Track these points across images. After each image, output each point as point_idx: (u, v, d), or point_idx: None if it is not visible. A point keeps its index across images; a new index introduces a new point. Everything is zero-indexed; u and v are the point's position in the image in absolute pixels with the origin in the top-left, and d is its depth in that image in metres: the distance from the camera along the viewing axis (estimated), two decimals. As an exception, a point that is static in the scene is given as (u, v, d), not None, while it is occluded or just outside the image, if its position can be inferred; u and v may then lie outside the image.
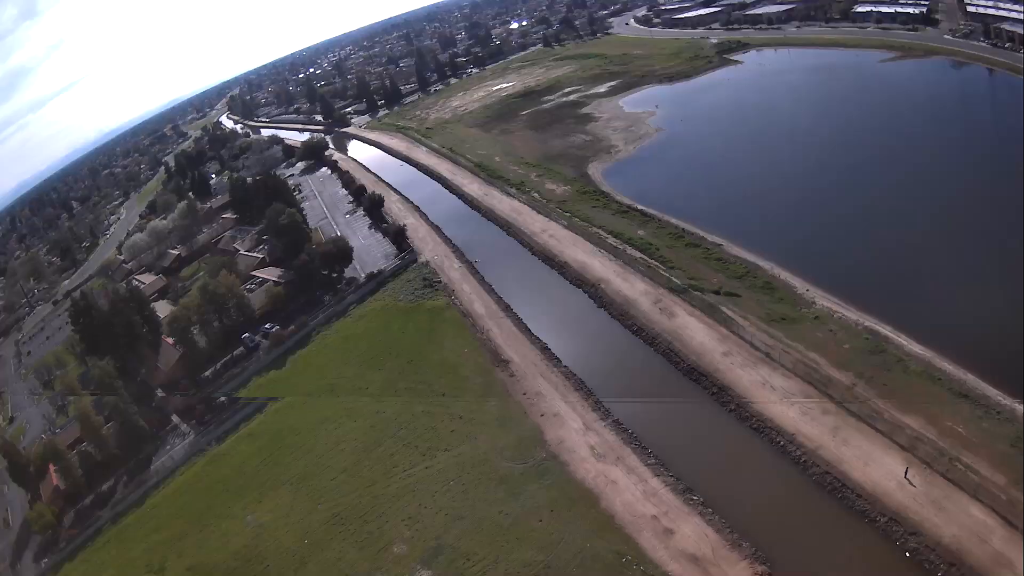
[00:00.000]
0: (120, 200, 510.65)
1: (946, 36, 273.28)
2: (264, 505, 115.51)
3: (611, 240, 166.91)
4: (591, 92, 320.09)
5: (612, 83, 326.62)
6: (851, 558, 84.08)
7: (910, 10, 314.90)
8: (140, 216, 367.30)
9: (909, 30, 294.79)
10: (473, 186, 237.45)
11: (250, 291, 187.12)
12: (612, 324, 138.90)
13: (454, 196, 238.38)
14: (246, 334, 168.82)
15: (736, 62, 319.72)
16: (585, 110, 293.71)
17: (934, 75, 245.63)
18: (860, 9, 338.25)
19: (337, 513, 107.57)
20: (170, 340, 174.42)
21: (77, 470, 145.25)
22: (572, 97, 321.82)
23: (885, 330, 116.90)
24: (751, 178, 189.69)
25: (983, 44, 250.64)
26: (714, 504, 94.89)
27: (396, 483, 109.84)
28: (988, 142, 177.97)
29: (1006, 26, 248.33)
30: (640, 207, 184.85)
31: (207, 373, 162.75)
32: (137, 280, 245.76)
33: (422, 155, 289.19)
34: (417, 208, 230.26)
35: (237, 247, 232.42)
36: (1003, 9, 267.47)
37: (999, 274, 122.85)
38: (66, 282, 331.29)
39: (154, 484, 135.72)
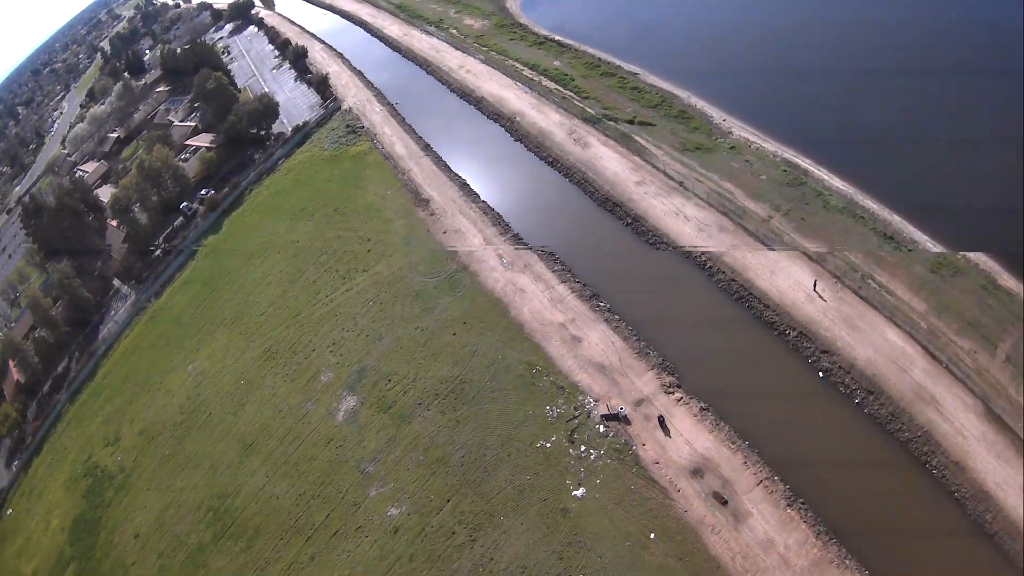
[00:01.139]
0: (62, 94, 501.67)
1: None
2: (202, 352, 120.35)
3: (527, 72, 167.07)
4: None
5: None
6: (761, 372, 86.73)
7: None
8: (80, 106, 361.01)
9: None
10: (394, 28, 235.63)
11: (185, 160, 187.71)
12: (528, 156, 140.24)
13: (376, 40, 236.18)
14: (184, 203, 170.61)
15: None
16: None
17: None
18: None
19: (268, 348, 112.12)
20: (114, 223, 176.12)
21: (34, 359, 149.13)
22: None
23: (805, 163, 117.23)
24: (665, 5, 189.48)
25: None
26: (621, 312, 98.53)
27: (320, 309, 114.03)
28: None
29: None
30: (557, 38, 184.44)
31: (152, 248, 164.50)
32: (81, 170, 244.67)
33: (344, 1, 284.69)
34: (340, 55, 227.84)
35: (171, 119, 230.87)
36: None
37: (934, 120, 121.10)
38: (17, 188, 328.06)
39: (103, 353, 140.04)
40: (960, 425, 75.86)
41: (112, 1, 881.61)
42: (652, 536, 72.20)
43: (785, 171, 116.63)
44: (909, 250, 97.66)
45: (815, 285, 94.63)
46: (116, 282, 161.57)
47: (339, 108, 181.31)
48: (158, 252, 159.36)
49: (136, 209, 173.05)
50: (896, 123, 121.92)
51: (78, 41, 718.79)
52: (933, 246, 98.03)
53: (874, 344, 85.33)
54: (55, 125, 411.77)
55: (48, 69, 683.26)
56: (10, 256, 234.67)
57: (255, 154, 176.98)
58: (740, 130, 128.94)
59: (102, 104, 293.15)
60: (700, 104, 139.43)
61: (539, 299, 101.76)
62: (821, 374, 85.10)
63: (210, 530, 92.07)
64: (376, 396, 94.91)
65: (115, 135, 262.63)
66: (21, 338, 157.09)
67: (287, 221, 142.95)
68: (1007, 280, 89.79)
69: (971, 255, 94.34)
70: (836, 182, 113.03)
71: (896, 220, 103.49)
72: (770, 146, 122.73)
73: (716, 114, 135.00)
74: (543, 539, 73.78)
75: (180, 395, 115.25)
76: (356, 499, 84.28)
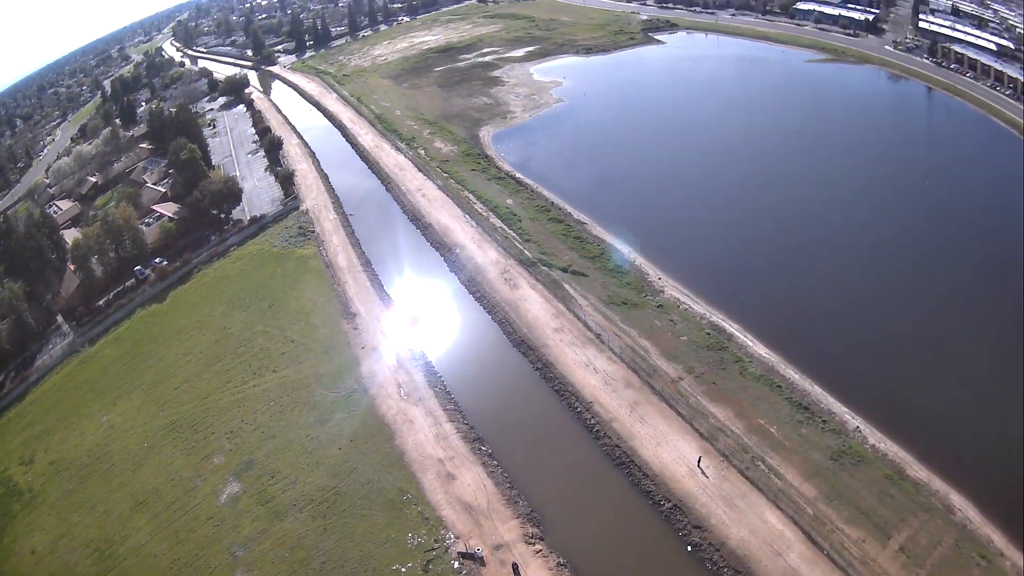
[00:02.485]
0: (58, 121, 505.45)
1: (887, 47, 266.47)
2: (118, 407, 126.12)
3: (478, 206, 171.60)
4: (508, 55, 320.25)
5: (530, 48, 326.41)
6: (629, 538, 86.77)
7: (855, 15, 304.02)
8: (71, 139, 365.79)
9: (849, 34, 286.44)
10: (368, 137, 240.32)
11: (147, 225, 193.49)
12: (459, 289, 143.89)
13: (349, 145, 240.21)
14: (138, 267, 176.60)
15: (659, 41, 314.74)
16: (496, 73, 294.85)
17: (860, 82, 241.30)
18: (802, 6, 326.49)
19: (174, 420, 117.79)
20: (72, 267, 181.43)
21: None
22: (488, 58, 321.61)
23: (731, 328, 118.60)
24: (632, 161, 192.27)
25: (926, 61, 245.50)
26: (500, 458, 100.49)
27: (227, 397, 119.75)
28: (888, 149, 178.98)
29: (956, 47, 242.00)
30: (518, 175, 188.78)
31: (101, 302, 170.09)
32: (56, 206, 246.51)
33: (331, 101, 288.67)
34: (313, 155, 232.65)
35: (146, 179, 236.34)
36: (958, 31, 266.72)
37: (871, 287, 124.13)
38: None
39: (34, 380, 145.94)
40: None
41: (127, 40, 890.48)
42: None
43: (708, 334, 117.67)
44: (823, 421, 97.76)
45: (699, 461, 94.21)
46: (60, 319, 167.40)
47: (297, 208, 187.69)
48: (102, 303, 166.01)
49: (94, 260, 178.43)
50: (842, 303, 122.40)
51: (86, 72, 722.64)
52: (852, 418, 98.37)
53: (750, 525, 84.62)
54: (45, 150, 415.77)
55: (52, 91, 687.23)
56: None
57: (212, 235, 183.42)
58: (673, 290, 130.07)
59: (89, 144, 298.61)
60: (640, 261, 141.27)
61: (425, 433, 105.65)
62: (690, 548, 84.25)
63: (94, 568, 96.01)
64: (258, 488, 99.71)
65: (93, 179, 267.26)
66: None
67: (224, 307, 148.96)
68: (917, 471, 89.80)
69: (880, 446, 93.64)
70: (760, 349, 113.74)
71: (816, 391, 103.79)
72: (699, 308, 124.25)
73: (653, 272, 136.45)
74: None
75: (91, 440, 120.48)
76: None
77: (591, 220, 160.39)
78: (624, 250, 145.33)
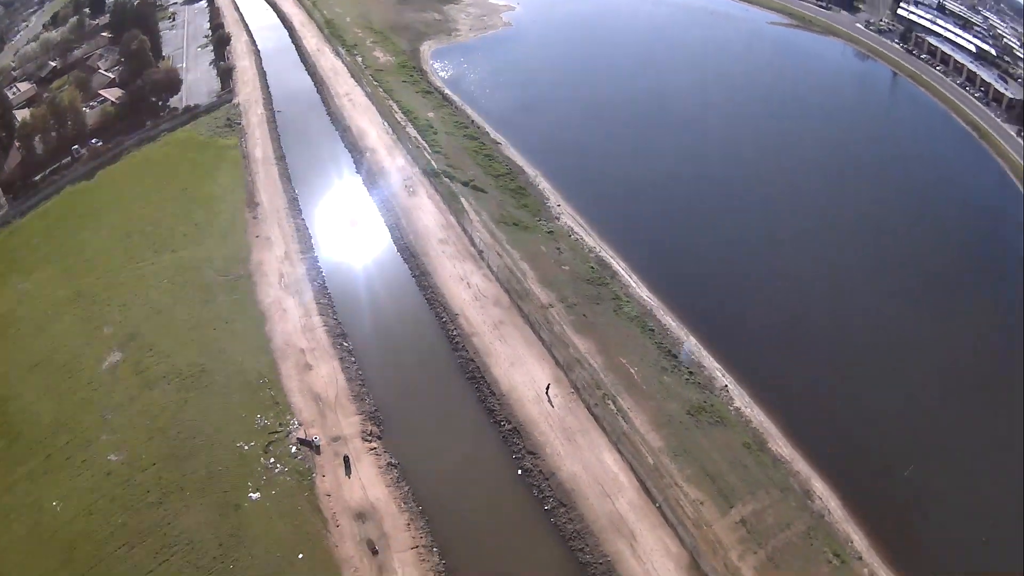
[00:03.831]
0: (35, 8, 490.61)
1: (858, 25, 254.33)
2: (33, 276, 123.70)
3: (399, 116, 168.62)
4: None
5: None
6: (464, 451, 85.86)
7: None
8: (43, 26, 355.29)
9: (821, 6, 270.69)
10: (312, 40, 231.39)
11: (91, 108, 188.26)
12: (361, 191, 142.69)
13: (294, 46, 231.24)
14: (75, 146, 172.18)
15: None
16: None
17: (821, 52, 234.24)
18: None
19: (79, 291, 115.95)
20: (17, 144, 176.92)
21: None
22: None
23: (618, 266, 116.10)
24: (562, 93, 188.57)
25: (896, 46, 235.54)
26: (359, 356, 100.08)
27: (128, 272, 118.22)
28: (829, 118, 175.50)
29: (932, 39, 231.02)
30: (446, 91, 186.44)
31: (38, 177, 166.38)
32: (16, 87, 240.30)
33: (288, 4, 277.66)
34: (257, 52, 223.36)
35: (99, 65, 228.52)
36: (938, 25, 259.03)
37: (779, 258, 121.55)
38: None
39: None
40: (652, 569, 72.42)
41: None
42: (300, 556, 72.98)
43: (592, 268, 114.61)
44: (690, 372, 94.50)
45: (548, 388, 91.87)
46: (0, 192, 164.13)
47: (231, 101, 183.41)
48: (38, 179, 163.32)
49: (38, 139, 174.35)
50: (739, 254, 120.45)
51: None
52: (722, 376, 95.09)
53: (584, 461, 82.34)
54: (18, 35, 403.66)
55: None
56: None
57: (148, 121, 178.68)
58: (569, 219, 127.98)
59: (56, 31, 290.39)
60: (543, 186, 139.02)
61: (294, 323, 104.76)
62: (520, 472, 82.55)
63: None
64: (136, 359, 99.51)
65: (54, 64, 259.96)
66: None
67: (143, 187, 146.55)
68: (780, 446, 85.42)
69: (746, 411, 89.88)
70: (642, 291, 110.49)
71: (690, 342, 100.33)
72: (591, 241, 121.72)
73: (554, 198, 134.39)
74: (213, 523, 75.84)
75: (4, 305, 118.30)
76: (90, 437, 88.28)
77: (506, 141, 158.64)
78: (530, 173, 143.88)
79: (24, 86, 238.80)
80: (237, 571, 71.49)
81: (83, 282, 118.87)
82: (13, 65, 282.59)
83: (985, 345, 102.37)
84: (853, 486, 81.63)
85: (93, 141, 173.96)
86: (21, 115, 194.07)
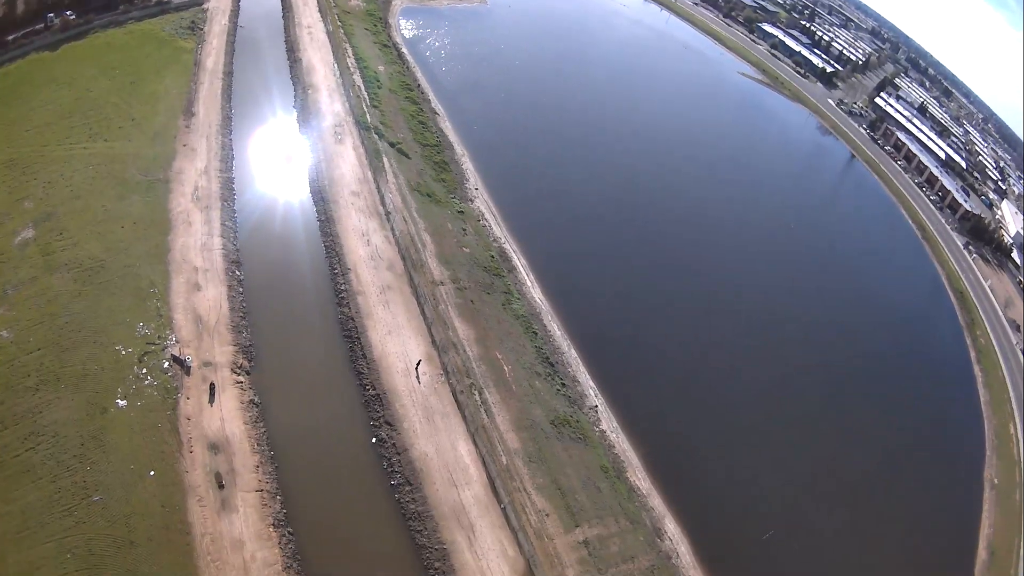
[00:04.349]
0: None
1: (830, 100, 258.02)
2: None
3: (350, 61, 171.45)
4: None
5: None
6: (324, 405, 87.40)
7: (815, 59, 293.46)
8: None
9: (799, 73, 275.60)
10: None
11: None
12: (293, 125, 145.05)
13: None
14: (51, 13, 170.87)
15: None
16: None
17: (782, 114, 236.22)
18: (766, 28, 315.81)
19: (13, 158, 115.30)
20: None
21: None
22: None
23: (518, 261, 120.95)
24: (512, 80, 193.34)
25: (863, 131, 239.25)
26: (247, 287, 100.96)
27: (60, 151, 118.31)
28: (762, 174, 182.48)
29: (901, 135, 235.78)
30: (403, 49, 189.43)
31: (11, 37, 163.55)
32: None
33: None
34: None
35: None
36: (913, 124, 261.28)
37: (683, 299, 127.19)
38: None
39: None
40: (486, 567, 74.70)
41: None
42: (151, 474, 73.92)
43: (492, 256, 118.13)
44: (563, 384, 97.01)
45: (418, 364, 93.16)
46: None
47: (201, 4, 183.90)
48: (11, 39, 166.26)
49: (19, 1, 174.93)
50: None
51: None
52: (595, 395, 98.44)
53: (439, 445, 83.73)
54: None
55: None
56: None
57: (121, 4, 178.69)
58: (483, 204, 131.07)
59: None
60: (467, 165, 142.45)
61: (196, 239, 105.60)
62: (374, 440, 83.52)
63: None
64: (46, 240, 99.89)
65: None
66: None
67: (97, 71, 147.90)
68: (639, 478, 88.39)
69: (612, 436, 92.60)
70: (535, 292, 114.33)
71: (570, 354, 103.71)
72: (498, 230, 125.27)
73: (474, 180, 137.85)
74: (79, 421, 76.66)
75: None
76: None
77: (444, 113, 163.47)
78: (458, 150, 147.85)
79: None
80: (93, 473, 72.79)
81: (19, 151, 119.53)
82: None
83: (871, 439, 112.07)
84: (708, 536, 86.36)
85: (67, 12, 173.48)
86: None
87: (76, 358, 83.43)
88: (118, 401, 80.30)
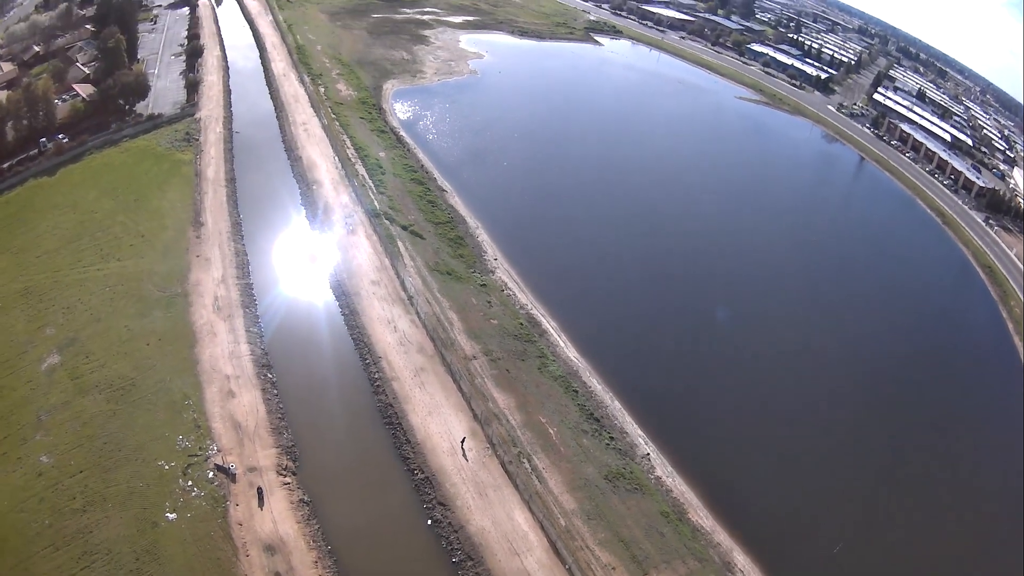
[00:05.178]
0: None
1: (830, 107, 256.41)
2: None
3: (351, 151, 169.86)
4: (446, 19, 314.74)
5: (470, 17, 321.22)
6: (376, 496, 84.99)
7: (809, 69, 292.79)
8: (36, 7, 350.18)
9: (795, 86, 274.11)
10: (280, 64, 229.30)
11: (63, 100, 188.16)
12: (304, 223, 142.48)
13: (262, 67, 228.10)
14: (43, 139, 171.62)
15: (597, 43, 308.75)
16: (427, 32, 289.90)
17: (785, 130, 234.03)
18: (756, 48, 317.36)
19: (28, 287, 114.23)
20: None
21: None
22: (426, 17, 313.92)
23: (548, 324, 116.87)
24: (514, 146, 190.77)
25: (867, 130, 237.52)
26: (281, 389, 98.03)
27: (74, 275, 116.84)
28: (780, 193, 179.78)
29: (905, 126, 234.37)
30: (401, 132, 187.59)
31: (6, 165, 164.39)
32: (1, 67, 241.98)
33: (264, 23, 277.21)
34: (227, 68, 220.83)
35: (78, 57, 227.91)
36: (914, 112, 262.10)
37: (715, 330, 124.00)
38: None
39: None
40: None
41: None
42: None
43: (521, 324, 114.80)
44: (611, 438, 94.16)
45: (463, 441, 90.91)
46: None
47: (193, 115, 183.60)
48: (6, 167, 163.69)
49: (10, 126, 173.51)
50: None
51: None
52: (645, 443, 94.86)
53: (495, 517, 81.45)
54: (12, 12, 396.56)
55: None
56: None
57: (113, 123, 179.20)
58: (504, 273, 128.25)
59: (46, 15, 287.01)
60: (482, 237, 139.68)
61: (223, 348, 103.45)
62: (430, 522, 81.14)
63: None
64: (73, 364, 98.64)
65: (38, 48, 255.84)
66: None
67: (98, 192, 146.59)
68: (700, 516, 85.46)
69: (668, 480, 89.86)
70: (569, 352, 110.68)
71: (614, 406, 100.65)
72: (523, 298, 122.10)
73: (492, 251, 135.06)
74: (130, 537, 74.61)
75: None
76: (25, 435, 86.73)
77: (452, 189, 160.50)
78: (471, 223, 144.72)
79: (7, 66, 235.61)
80: (151, 588, 69.37)
81: (33, 279, 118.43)
82: (1, 43, 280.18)
83: (926, 440, 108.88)
84: (778, 560, 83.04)
85: (59, 136, 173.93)
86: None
87: (120, 477, 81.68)
88: (167, 514, 78.38)
